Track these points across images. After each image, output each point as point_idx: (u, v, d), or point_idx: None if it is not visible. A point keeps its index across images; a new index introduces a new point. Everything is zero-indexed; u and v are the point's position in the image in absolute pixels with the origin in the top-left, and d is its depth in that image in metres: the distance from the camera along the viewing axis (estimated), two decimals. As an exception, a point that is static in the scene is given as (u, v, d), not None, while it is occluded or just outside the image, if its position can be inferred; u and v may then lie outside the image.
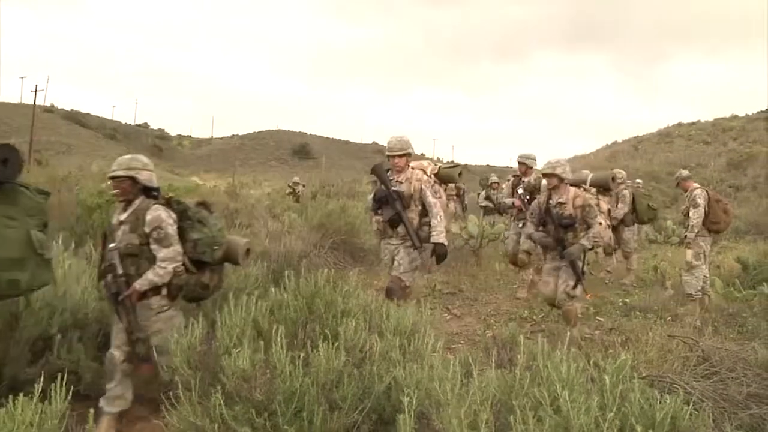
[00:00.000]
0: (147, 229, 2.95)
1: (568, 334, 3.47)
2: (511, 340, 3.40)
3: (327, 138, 74.96)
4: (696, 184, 6.29)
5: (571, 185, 4.75)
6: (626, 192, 8.24)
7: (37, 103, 36.66)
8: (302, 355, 2.14)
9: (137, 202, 3.04)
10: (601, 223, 4.58)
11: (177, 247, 3.00)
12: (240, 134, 76.07)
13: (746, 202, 16.79)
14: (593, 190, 5.28)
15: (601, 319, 5.76)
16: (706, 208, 6.00)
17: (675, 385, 2.67)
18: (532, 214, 4.88)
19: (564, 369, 1.95)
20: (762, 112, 33.12)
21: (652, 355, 3.42)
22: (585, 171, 6.57)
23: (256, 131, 74.46)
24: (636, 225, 8.54)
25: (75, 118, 63.69)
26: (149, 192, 3.09)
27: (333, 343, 2.21)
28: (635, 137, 35.57)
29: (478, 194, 12.41)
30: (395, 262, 4.38)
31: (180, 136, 79.26)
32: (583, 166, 19.01)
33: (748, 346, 3.29)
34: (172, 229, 2.99)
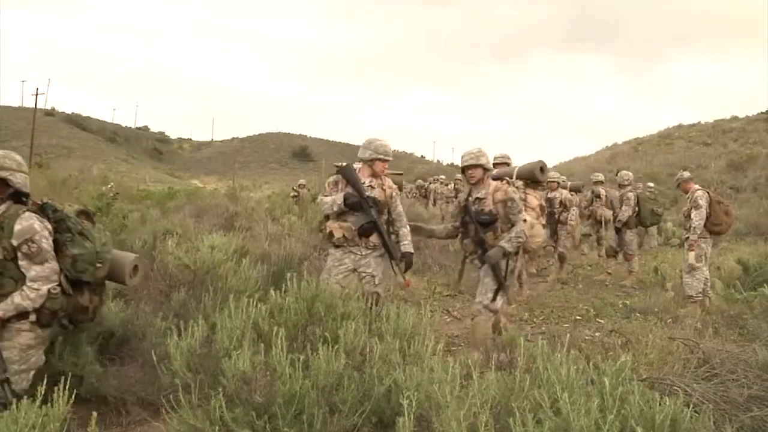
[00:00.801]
0: (15, 242, 2.44)
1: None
2: (510, 342, 3.40)
3: (327, 140, 75.10)
4: (697, 186, 6.29)
5: (494, 179, 4.31)
6: (631, 195, 8.31)
7: (37, 107, 36.73)
8: (302, 357, 2.15)
9: (2, 207, 2.53)
10: (525, 220, 4.04)
11: (53, 265, 2.51)
12: (240, 137, 76.35)
13: (747, 204, 16.76)
14: (519, 183, 4.70)
15: (602, 320, 5.76)
16: (708, 210, 6.00)
17: (675, 387, 2.66)
18: (451, 214, 4.46)
19: (564, 371, 1.95)
20: (762, 113, 33.13)
21: (652, 357, 3.41)
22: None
23: (256, 134, 74.70)
24: (637, 228, 8.59)
25: (75, 122, 63.95)
26: (19, 197, 2.60)
27: (333, 346, 2.21)
28: (635, 139, 35.65)
29: None
30: (365, 275, 4.01)
31: (180, 139, 79.51)
32: (583, 168, 19.03)
33: (749, 348, 3.28)
34: (47, 243, 2.49)
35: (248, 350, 2.19)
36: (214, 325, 2.50)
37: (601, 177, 9.62)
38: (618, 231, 8.35)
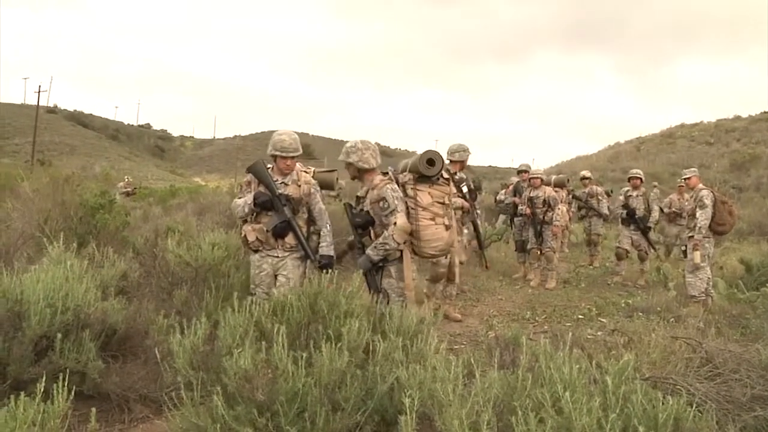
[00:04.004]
0: None
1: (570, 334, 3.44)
2: (513, 341, 3.39)
3: (329, 139, 75.10)
4: (701, 185, 6.28)
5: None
6: (644, 192, 8.31)
7: (40, 104, 36.78)
8: (305, 355, 2.14)
9: None
10: (395, 224, 3.45)
11: None
12: (242, 135, 76.38)
13: (749, 203, 16.72)
14: (408, 177, 3.82)
15: (604, 320, 5.75)
16: (712, 210, 5.98)
17: (678, 387, 2.65)
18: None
19: (566, 370, 1.94)
20: (765, 112, 33.01)
21: (654, 356, 3.41)
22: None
23: (259, 131, 74.73)
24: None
25: (78, 119, 64.03)
26: None
27: (336, 344, 2.21)
28: (638, 138, 35.56)
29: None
30: (281, 278, 3.75)
31: (182, 137, 79.58)
32: (586, 167, 19.00)
33: (752, 348, 3.27)
34: None
35: (250, 348, 2.18)
36: (217, 322, 2.50)
37: (588, 173, 9.88)
38: (647, 231, 8.23)
